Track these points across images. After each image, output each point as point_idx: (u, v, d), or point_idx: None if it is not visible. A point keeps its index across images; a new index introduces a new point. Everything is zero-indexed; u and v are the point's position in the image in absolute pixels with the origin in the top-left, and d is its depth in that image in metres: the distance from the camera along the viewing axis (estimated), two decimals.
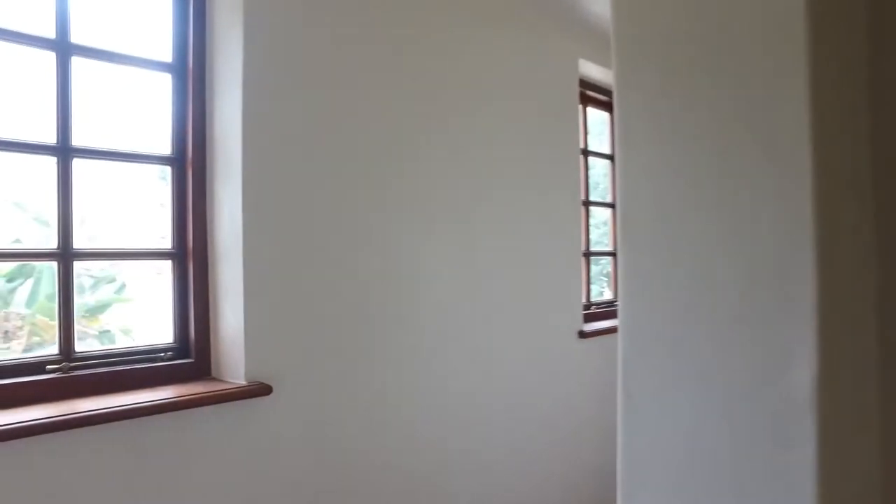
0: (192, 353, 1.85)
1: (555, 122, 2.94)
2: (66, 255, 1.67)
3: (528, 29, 2.78)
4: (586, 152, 3.40)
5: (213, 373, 1.87)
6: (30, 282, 5.49)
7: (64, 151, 1.67)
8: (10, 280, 5.57)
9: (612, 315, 3.49)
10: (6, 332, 5.68)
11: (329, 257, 2.00)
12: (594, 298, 3.49)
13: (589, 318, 3.25)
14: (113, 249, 1.96)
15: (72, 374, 1.64)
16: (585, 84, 3.29)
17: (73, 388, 1.62)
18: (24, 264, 5.44)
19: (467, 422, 2.46)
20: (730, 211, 0.78)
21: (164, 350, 1.83)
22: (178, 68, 1.88)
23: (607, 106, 3.63)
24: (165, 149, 1.87)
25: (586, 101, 3.38)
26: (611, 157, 3.70)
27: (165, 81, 1.88)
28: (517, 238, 2.71)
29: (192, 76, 1.88)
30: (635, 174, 0.98)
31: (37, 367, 1.60)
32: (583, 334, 3.04)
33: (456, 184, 2.43)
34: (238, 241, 1.79)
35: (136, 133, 1.88)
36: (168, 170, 1.88)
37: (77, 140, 1.69)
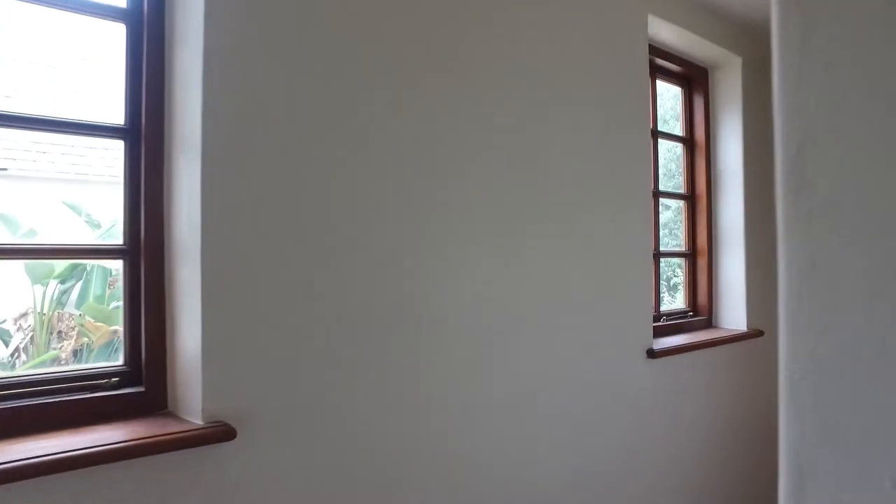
0: (143, 380, 1.43)
1: (617, 95, 2.39)
2: None
3: None
4: (656, 134, 2.83)
5: (170, 405, 1.44)
6: (80, 283, 5.37)
7: None
8: (63, 281, 5.45)
9: (684, 329, 2.92)
10: (60, 332, 5.58)
11: (315, 258, 1.53)
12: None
13: (658, 333, 2.69)
14: (56, 245, 1.57)
15: None
16: (654, 50, 2.72)
17: None
18: (75, 265, 5.28)
19: (500, 477, 1.95)
20: None
21: (110, 375, 1.42)
22: (132, 14, 1.47)
23: (681, 79, 3.05)
24: (117, 117, 1.46)
25: (654, 71, 2.81)
26: (684, 141, 3.11)
27: (118, 32, 1.47)
28: (571, 236, 2.18)
29: (148, 24, 1.46)
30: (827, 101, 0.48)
31: None
32: (652, 353, 2.47)
33: (492, 168, 1.93)
34: (196, 233, 1.35)
35: (81, 96, 1.47)
36: (121, 145, 1.47)
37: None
